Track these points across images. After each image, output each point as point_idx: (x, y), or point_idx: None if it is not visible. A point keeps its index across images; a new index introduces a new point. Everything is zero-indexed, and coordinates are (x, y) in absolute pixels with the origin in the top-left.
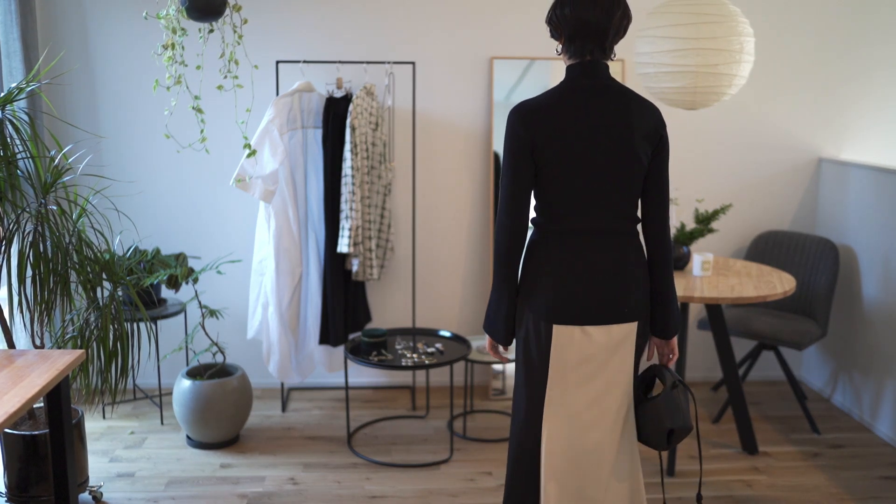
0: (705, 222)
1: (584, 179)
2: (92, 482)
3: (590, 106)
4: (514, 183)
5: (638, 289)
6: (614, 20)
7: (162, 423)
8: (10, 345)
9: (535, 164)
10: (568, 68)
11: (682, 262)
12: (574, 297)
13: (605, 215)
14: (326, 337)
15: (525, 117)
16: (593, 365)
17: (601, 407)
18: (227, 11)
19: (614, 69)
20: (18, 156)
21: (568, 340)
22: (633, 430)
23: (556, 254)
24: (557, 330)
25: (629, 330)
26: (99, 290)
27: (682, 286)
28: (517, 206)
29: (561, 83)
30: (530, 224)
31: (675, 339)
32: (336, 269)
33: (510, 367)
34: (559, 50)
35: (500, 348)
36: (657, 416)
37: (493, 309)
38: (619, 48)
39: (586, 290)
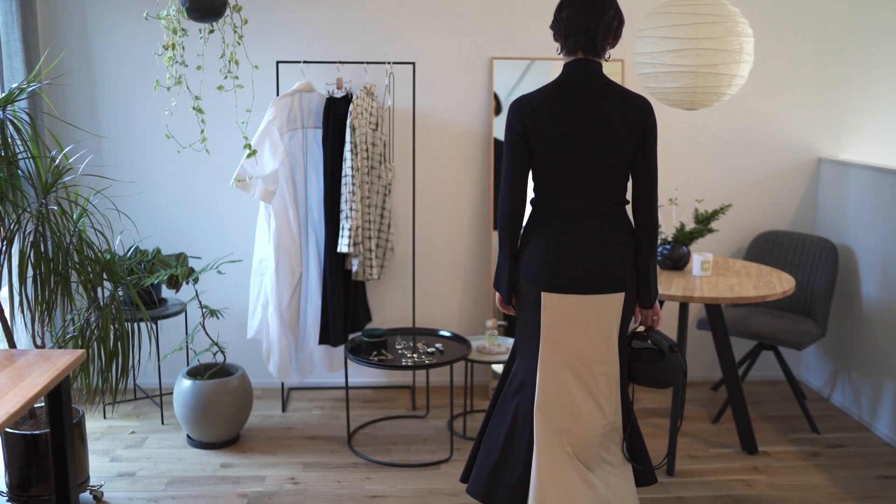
0: (705, 222)
1: (570, 166)
2: (93, 482)
3: (578, 100)
4: (510, 168)
5: (622, 263)
6: (603, 21)
7: (162, 422)
8: (11, 344)
9: (529, 151)
10: (563, 66)
11: (682, 262)
12: (561, 269)
13: (591, 198)
14: (326, 337)
15: (520, 110)
16: (579, 328)
17: (587, 365)
18: (228, 12)
19: (614, 69)
20: (19, 156)
21: (555, 306)
22: (617, 385)
23: (547, 230)
24: (546, 297)
25: (613, 300)
26: (99, 289)
27: (681, 286)
28: (514, 188)
29: (556, 79)
30: (529, 203)
31: (657, 306)
32: (336, 269)
33: None
34: (559, 50)
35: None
36: (658, 372)
37: (498, 272)
38: (619, 48)
39: (572, 263)
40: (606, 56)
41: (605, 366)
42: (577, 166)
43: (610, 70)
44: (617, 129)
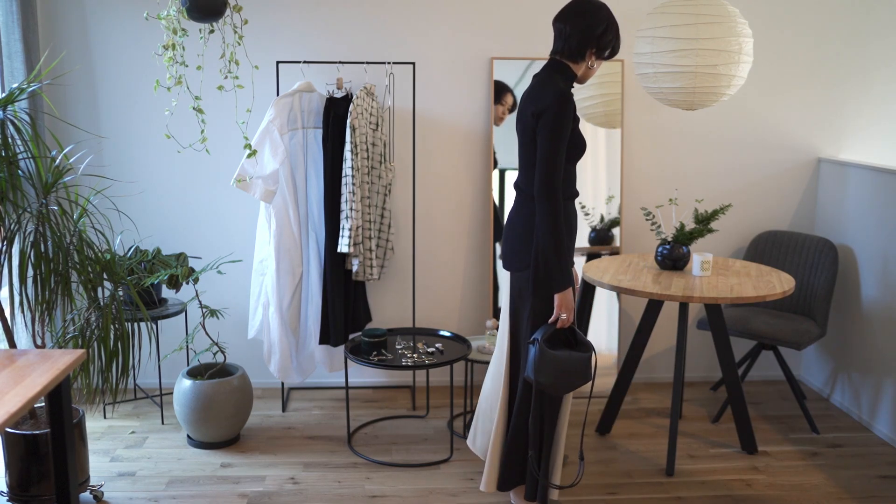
0: (705, 222)
1: (518, 149)
2: (93, 481)
3: (525, 94)
4: None
5: (522, 243)
6: (579, 29)
7: (163, 422)
8: (12, 344)
9: None
10: None
11: (682, 262)
12: None
13: (518, 179)
14: (327, 337)
15: None
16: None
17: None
18: (228, 12)
19: (614, 69)
20: (20, 156)
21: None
22: (502, 364)
23: None
24: None
25: (511, 277)
26: (100, 289)
27: (681, 286)
28: None
29: None
30: None
31: (558, 301)
32: (336, 269)
33: None
34: None
35: None
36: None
37: None
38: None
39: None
40: (590, 63)
41: (500, 340)
42: (519, 150)
43: (609, 70)
44: (527, 119)
